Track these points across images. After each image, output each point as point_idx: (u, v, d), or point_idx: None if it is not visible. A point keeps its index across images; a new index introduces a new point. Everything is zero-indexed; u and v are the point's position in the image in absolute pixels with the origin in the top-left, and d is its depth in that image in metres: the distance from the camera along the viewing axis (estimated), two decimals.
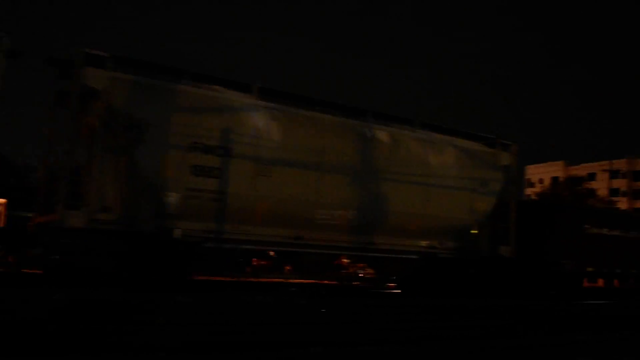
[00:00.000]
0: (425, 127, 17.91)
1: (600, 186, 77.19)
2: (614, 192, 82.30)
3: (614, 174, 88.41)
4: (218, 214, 14.21)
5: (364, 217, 16.06)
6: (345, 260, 20.60)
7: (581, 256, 22.03)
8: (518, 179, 20.18)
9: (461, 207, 17.89)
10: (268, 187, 14.73)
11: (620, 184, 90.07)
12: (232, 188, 14.29)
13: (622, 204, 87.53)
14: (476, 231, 18.13)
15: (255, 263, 18.40)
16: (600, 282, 29.73)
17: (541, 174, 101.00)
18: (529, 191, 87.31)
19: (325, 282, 19.75)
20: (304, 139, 15.44)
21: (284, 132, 15.17)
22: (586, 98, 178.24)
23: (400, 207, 16.71)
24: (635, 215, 30.47)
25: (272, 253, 17.68)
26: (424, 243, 17.34)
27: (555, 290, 21.07)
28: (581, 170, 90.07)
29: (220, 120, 14.43)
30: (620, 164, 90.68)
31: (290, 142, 15.19)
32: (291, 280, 19.98)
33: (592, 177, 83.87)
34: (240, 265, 15.97)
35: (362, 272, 21.16)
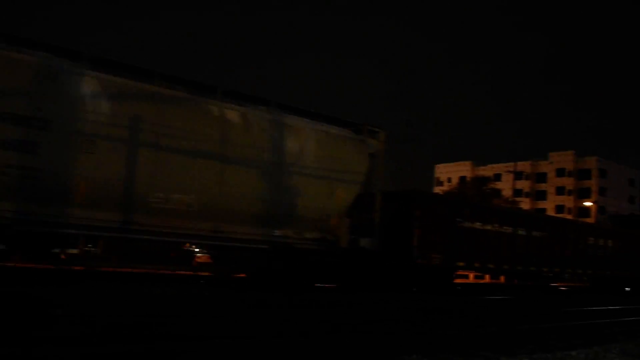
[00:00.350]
0: (283, 109, 16.67)
1: (505, 187, 78.45)
2: (518, 192, 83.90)
3: (518, 176, 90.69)
4: (31, 193, 12.55)
5: (205, 202, 14.66)
6: (192, 248, 19.10)
7: (452, 251, 21.25)
8: (385, 168, 19.22)
9: (320, 195, 16.77)
10: (92, 165, 13.15)
11: (523, 185, 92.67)
12: (49, 164, 12.66)
13: (525, 204, 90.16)
14: (336, 221, 17.11)
15: (78, 250, 16.67)
16: (471, 277, 29.67)
17: (450, 173, 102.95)
18: (437, 189, 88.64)
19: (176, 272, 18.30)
20: (138, 114, 13.87)
21: (115, 105, 13.57)
22: (495, 100, 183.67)
23: (249, 192, 15.40)
24: (520, 212, 29.66)
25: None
26: (277, 232, 16.11)
27: (420, 285, 20.32)
28: (488, 170, 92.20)
29: (38, 88, 12.74)
30: (525, 166, 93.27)
31: (121, 116, 13.60)
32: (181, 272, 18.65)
33: (497, 177, 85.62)
34: (55, 253, 14.30)
35: (207, 261, 19.67)
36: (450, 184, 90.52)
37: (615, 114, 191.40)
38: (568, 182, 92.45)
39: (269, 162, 15.83)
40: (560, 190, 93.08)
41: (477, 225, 22.53)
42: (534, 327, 10.99)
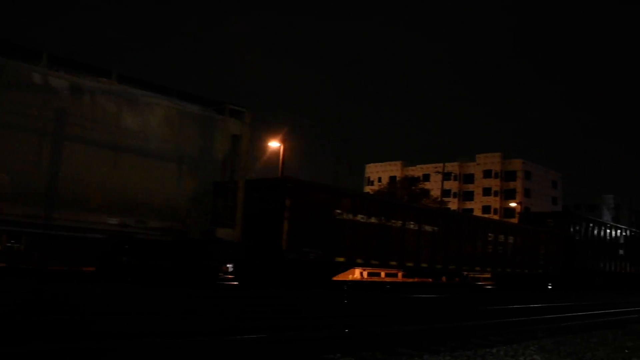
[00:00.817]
0: (126, 82, 14.75)
1: (434, 187, 78.61)
2: (446, 193, 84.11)
3: (446, 176, 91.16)
4: None
5: (22, 184, 12.71)
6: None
7: (331, 245, 19.50)
8: (250, 152, 17.53)
9: (168, 179, 14.95)
10: None
11: (452, 185, 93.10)
12: None
13: (453, 204, 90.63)
14: (187, 209, 15.31)
15: None
16: (357, 274, 28.45)
17: (380, 173, 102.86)
18: (367, 189, 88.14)
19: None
20: None
21: None
22: (425, 101, 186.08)
23: (78, 173, 13.43)
24: (410, 206, 28.04)
25: None
26: (113, 220, 14.20)
27: (294, 282, 18.53)
28: (417, 171, 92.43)
29: None
30: (453, 167, 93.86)
31: None
32: None
33: (426, 177, 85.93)
34: None
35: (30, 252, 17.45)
36: (380, 183, 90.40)
37: (540, 118, 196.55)
38: (494, 183, 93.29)
39: (103, 139, 13.91)
40: (487, 191, 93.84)
41: (360, 217, 20.78)
42: (456, 325, 10.87)
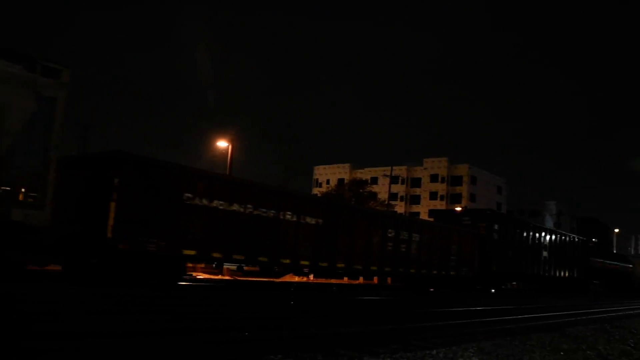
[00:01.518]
0: None
1: (382, 190, 79.23)
2: (394, 196, 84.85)
3: (394, 180, 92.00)
4: None
5: None
6: None
7: (177, 235, 16.76)
8: (65, 120, 13.97)
9: None
10: None
11: (399, 189, 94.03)
12: None
13: (400, 207, 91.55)
14: None
15: None
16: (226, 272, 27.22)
17: (329, 175, 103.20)
18: (315, 191, 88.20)
19: None
20: None
21: None
22: (375, 105, 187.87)
23: None
24: (285, 193, 22.56)
25: None
26: None
27: (134, 277, 16.04)
28: (365, 174, 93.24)
29: None
30: (401, 171, 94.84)
31: None
32: None
33: (374, 180, 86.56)
34: None
35: None
36: (328, 185, 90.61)
37: (487, 124, 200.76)
38: (441, 188, 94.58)
39: None
40: (433, 195, 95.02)
41: (218, 204, 17.91)
42: (398, 327, 10.80)
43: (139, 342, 7.30)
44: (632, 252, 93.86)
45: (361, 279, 32.40)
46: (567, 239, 45.07)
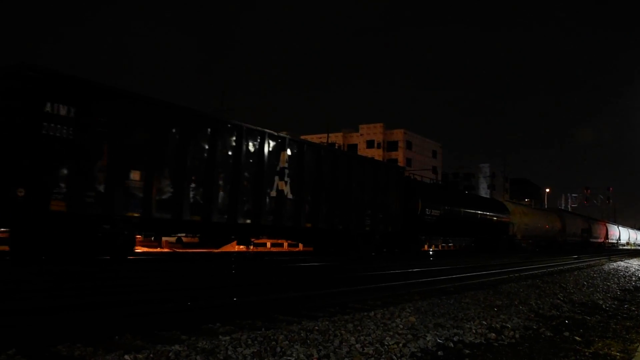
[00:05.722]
0: None
1: None
2: None
3: (331, 146, 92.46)
4: None
5: None
6: None
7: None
8: None
9: None
10: None
11: None
12: None
13: None
14: None
15: None
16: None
17: None
18: None
19: None
20: None
21: None
22: (314, 72, 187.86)
23: None
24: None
25: None
26: None
27: None
28: None
29: None
30: (337, 138, 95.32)
31: None
32: None
33: None
34: None
35: None
36: None
37: (422, 90, 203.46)
38: (377, 153, 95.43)
39: None
40: None
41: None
42: (335, 291, 10.85)
43: (76, 316, 7.13)
44: (563, 207, 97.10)
45: (301, 246, 32.51)
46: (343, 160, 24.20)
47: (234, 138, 18.11)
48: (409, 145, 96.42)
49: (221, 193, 17.48)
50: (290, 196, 20.42)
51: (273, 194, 19.65)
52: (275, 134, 20.07)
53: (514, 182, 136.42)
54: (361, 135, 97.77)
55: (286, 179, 20.30)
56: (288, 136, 21.05)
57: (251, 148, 18.75)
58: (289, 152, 20.57)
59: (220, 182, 17.45)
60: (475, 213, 38.07)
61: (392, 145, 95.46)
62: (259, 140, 19.12)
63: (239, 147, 18.16)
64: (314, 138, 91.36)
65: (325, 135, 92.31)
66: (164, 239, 26.62)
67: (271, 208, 19.55)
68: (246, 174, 18.47)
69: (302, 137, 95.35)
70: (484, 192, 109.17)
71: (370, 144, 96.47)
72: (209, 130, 17.19)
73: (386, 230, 26.98)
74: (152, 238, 22.84)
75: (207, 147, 17.00)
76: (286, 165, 20.30)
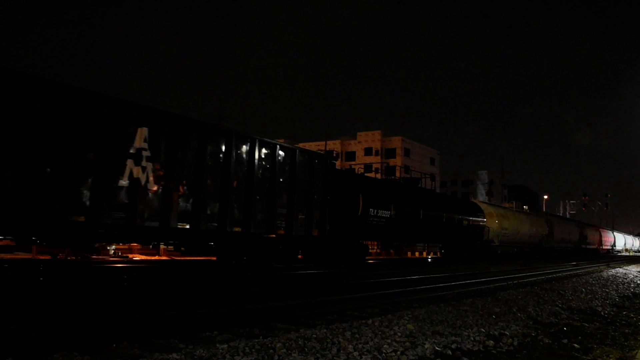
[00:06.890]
0: None
1: None
2: None
3: (328, 154, 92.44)
4: None
5: None
6: None
7: None
8: None
9: None
10: None
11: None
12: None
13: None
14: None
15: None
16: None
17: None
18: None
19: None
20: None
21: None
22: (314, 81, 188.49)
23: None
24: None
25: None
26: None
27: None
28: None
29: None
30: (335, 145, 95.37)
31: None
32: None
33: None
34: None
35: None
36: None
37: (419, 98, 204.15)
38: (375, 160, 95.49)
39: None
40: (368, 168, 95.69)
41: None
42: (336, 299, 10.83)
43: (75, 324, 7.10)
44: (561, 214, 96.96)
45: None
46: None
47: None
48: (407, 152, 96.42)
49: None
50: (153, 187, 15.82)
51: (124, 182, 15.06)
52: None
53: (512, 189, 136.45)
54: (359, 142, 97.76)
55: (145, 163, 15.63)
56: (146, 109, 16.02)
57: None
58: (147, 130, 15.81)
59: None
60: (441, 215, 33.20)
61: (390, 153, 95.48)
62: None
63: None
64: (312, 146, 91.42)
65: (323, 142, 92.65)
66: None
67: (131, 201, 15.18)
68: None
69: (300, 144, 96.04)
70: (482, 199, 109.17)
71: (368, 152, 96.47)
72: None
73: (308, 234, 21.86)
74: None
75: None
76: (145, 146, 15.66)
